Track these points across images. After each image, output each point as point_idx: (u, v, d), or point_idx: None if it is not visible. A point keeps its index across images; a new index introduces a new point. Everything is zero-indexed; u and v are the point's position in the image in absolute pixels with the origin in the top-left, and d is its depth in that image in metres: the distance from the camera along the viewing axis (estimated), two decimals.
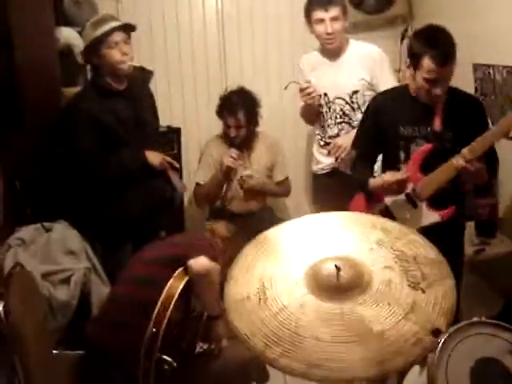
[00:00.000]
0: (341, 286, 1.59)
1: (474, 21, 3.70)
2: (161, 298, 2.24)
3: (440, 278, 1.62)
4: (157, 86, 3.74)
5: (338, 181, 3.50)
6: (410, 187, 2.72)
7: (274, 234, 1.86)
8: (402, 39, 4.20)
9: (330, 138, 3.54)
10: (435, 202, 2.70)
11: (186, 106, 4.45)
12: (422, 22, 4.25)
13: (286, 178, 4.09)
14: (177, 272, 2.38)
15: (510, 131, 2.44)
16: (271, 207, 4.17)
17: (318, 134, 3.65)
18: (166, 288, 2.29)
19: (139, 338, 2.17)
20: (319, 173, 3.72)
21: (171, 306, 2.23)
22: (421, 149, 2.69)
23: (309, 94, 3.41)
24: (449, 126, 2.68)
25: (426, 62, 2.53)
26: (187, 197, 4.30)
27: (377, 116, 2.86)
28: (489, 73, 3.63)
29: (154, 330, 2.17)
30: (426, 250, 1.74)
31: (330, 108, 3.50)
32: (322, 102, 3.50)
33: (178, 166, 3.39)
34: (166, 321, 2.20)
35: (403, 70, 4.12)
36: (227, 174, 3.72)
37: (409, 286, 1.60)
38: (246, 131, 3.83)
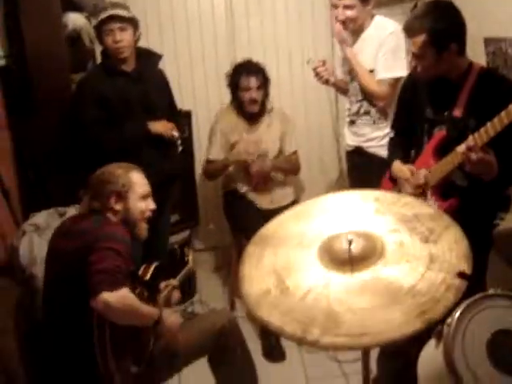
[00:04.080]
0: (356, 256, 1.64)
1: None
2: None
3: (445, 228, 1.71)
4: (166, 70, 3.73)
5: (363, 159, 3.48)
6: (422, 173, 2.56)
7: (269, 228, 1.90)
8: None
9: (353, 115, 3.50)
10: (445, 191, 2.52)
11: (196, 88, 4.44)
12: None
13: (295, 152, 4.07)
14: None
15: None
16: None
17: (347, 110, 3.60)
18: None
19: None
20: (347, 149, 3.68)
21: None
22: (436, 135, 2.53)
23: (317, 74, 3.43)
24: (473, 113, 2.40)
25: None
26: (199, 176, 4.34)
27: (409, 95, 2.71)
28: (500, 47, 3.60)
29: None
30: (423, 208, 1.85)
31: (352, 85, 3.45)
32: (348, 78, 3.49)
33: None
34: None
35: None
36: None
37: (420, 240, 1.68)
38: (262, 95, 3.86)
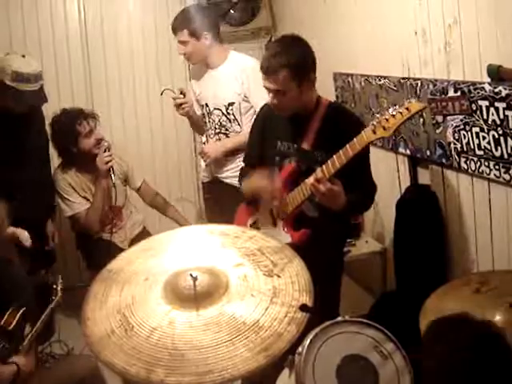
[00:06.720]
0: (201, 292, 1.64)
1: (334, 32, 3.85)
2: None
3: (289, 261, 1.78)
4: None
5: (219, 189, 3.57)
6: (275, 204, 2.62)
7: (116, 265, 1.87)
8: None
9: None
10: (297, 222, 2.59)
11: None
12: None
13: (144, 181, 3.98)
14: None
15: (359, 150, 2.28)
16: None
17: (203, 143, 3.69)
18: None
19: None
20: (204, 181, 3.80)
21: None
22: (285, 167, 2.60)
23: (179, 105, 3.46)
24: (321, 146, 2.51)
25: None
26: None
27: (261, 128, 2.77)
28: (348, 81, 3.77)
29: None
30: (267, 241, 1.89)
31: (210, 119, 3.52)
32: (204, 112, 3.56)
33: None
34: None
35: None
36: (107, 174, 3.52)
37: (264, 274, 1.72)
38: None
